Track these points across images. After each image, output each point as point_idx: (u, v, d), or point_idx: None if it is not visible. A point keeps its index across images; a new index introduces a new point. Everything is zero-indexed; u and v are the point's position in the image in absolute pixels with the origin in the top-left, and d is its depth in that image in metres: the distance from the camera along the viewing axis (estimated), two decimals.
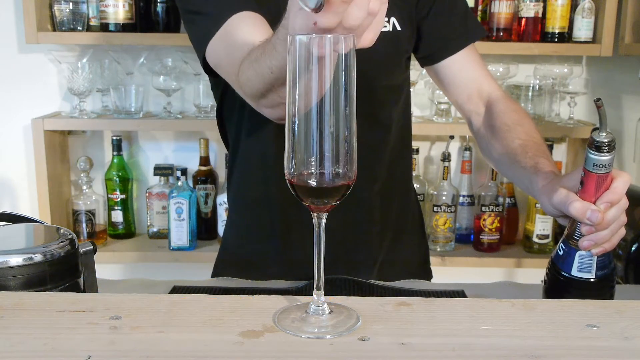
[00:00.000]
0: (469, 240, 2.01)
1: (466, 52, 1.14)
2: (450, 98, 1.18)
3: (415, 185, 1.96)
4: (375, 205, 1.18)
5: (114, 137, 1.94)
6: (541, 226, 1.93)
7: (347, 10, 0.60)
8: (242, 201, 1.22)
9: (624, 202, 0.81)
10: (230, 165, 1.23)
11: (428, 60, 1.16)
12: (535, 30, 1.86)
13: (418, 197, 1.94)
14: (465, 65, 1.14)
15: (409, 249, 1.27)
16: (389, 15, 1.06)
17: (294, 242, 1.16)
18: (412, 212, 1.29)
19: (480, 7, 1.88)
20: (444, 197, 1.93)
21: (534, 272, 1.97)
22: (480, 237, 1.95)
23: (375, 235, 1.20)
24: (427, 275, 1.32)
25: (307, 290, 1.00)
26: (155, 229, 2.01)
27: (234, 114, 1.17)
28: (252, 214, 1.21)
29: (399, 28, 1.08)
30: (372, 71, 1.08)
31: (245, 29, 0.94)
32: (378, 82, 1.11)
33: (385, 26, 1.06)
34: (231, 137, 1.20)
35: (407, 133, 1.24)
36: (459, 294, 1.02)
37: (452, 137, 1.99)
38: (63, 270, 0.77)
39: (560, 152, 2.05)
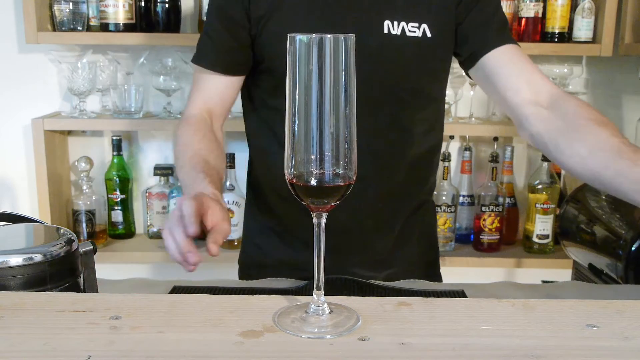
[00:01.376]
0: (469, 240, 2.01)
1: (510, 49, 1.08)
2: (503, 100, 1.09)
3: None
4: (386, 206, 1.18)
5: (114, 137, 1.94)
6: (541, 226, 1.93)
7: None
8: (260, 200, 1.24)
9: None
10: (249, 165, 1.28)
11: (471, 59, 1.11)
12: (535, 30, 1.86)
13: None
14: (512, 59, 1.07)
15: (417, 253, 1.27)
16: (419, 22, 1.08)
17: (302, 242, 1.17)
18: (424, 217, 1.28)
19: None
20: (444, 197, 1.93)
21: (534, 272, 1.97)
22: (480, 237, 1.95)
23: (383, 236, 1.20)
24: (436, 280, 1.31)
25: (307, 290, 1.00)
26: (155, 229, 2.01)
27: (250, 113, 1.21)
28: (267, 214, 1.23)
29: (429, 35, 1.08)
30: (396, 73, 1.09)
31: (200, 94, 1.16)
32: (402, 84, 1.11)
33: (415, 32, 1.08)
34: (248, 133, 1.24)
35: (436, 141, 1.22)
36: (459, 294, 1.02)
37: (452, 137, 1.99)
38: (63, 270, 0.77)
39: None
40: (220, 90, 1.15)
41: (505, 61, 1.08)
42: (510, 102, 1.06)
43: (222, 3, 1.12)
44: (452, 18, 1.10)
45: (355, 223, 1.16)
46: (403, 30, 1.07)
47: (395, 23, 1.07)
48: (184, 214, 0.85)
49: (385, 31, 1.07)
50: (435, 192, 1.92)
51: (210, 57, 1.14)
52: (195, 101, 1.16)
